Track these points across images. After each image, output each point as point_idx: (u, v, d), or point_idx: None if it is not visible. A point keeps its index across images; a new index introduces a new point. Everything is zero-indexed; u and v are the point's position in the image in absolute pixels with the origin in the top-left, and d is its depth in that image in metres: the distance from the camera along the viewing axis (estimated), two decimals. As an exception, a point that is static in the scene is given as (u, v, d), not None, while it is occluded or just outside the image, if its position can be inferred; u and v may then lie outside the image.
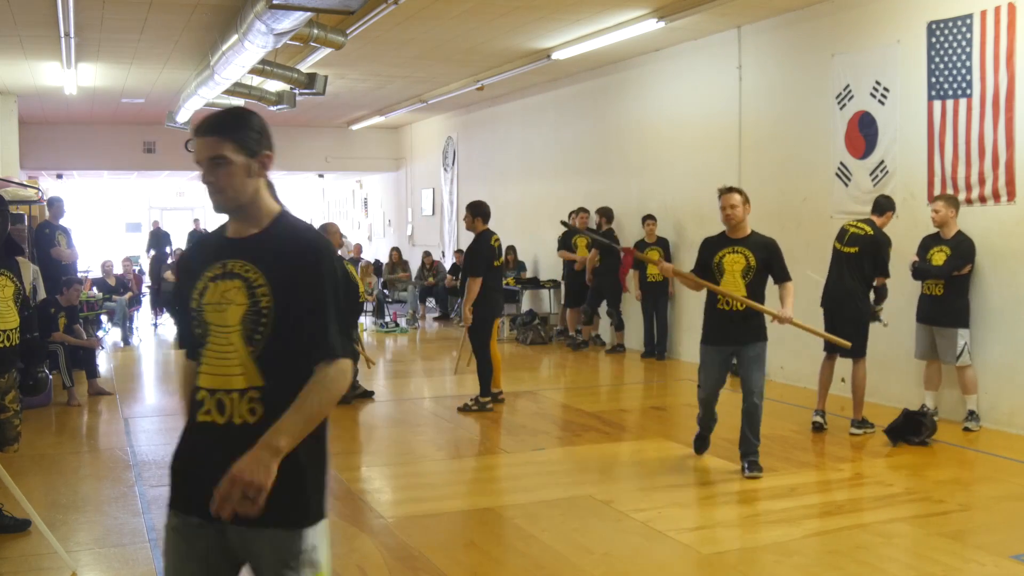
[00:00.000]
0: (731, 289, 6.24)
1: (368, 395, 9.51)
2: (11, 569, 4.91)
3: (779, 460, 6.92)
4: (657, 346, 11.85)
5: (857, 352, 7.59)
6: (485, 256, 8.77)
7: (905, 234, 8.50)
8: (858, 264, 7.64)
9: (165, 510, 2.59)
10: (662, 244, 11.77)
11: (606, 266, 12.53)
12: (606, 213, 12.63)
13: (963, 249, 7.63)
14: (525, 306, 15.27)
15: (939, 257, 7.69)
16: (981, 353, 7.84)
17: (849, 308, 7.62)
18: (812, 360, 8.23)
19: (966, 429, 7.67)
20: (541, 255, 15.28)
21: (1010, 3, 7.52)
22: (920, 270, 7.77)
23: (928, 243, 7.85)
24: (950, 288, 7.68)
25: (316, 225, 9.72)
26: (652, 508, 5.76)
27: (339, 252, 9.54)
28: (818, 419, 7.79)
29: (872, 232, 7.69)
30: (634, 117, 12.78)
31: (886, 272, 7.76)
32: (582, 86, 13.98)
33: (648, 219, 11.82)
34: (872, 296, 7.77)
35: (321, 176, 24.50)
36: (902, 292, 8.47)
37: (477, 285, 8.65)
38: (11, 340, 5.36)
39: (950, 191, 8.03)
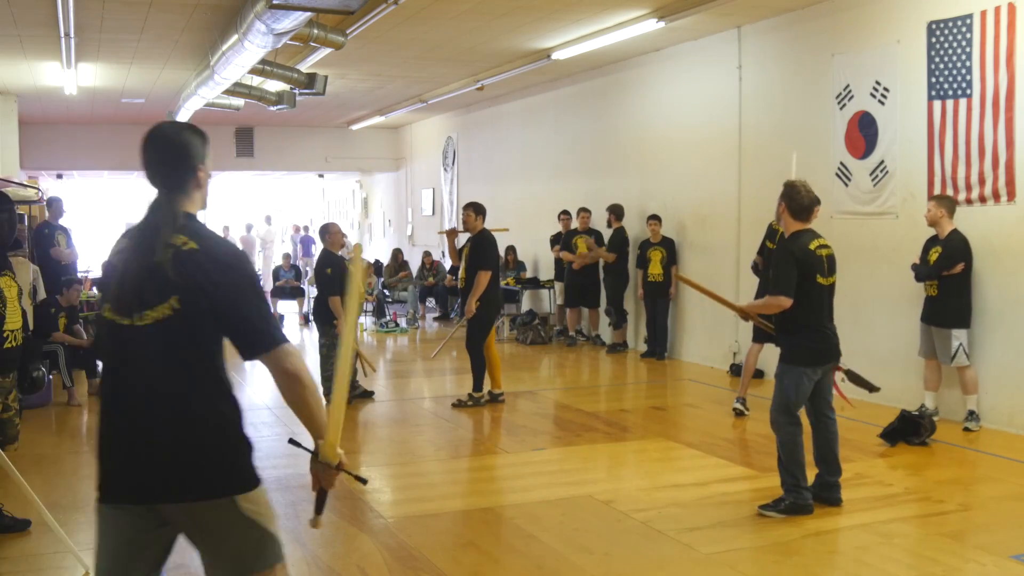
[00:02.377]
0: None
1: (368, 395, 9.51)
2: (11, 569, 4.91)
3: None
4: (658, 346, 11.85)
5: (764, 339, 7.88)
6: (496, 252, 9.11)
7: (905, 234, 8.51)
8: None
9: None
10: (666, 245, 11.76)
11: (614, 265, 12.52)
12: (616, 211, 12.54)
13: (952, 248, 7.67)
14: (525, 306, 15.28)
15: (935, 258, 7.76)
16: (981, 353, 7.84)
17: None
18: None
19: (966, 429, 7.68)
20: (541, 255, 15.28)
21: (1010, 3, 7.51)
22: (916, 271, 7.86)
23: (928, 244, 7.91)
24: (944, 288, 7.71)
25: (319, 225, 9.78)
26: (652, 508, 5.76)
27: (340, 252, 9.53)
28: (739, 406, 8.36)
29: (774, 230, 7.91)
30: (634, 117, 12.77)
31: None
32: (582, 86, 13.98)
33: (652, 219, 11.81)
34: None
35: (321, 176, 24.50)
36: (903, 292, 8.48)
37: (487, 278, 8.84)
38: (17, 340, 5.38)
39: (950, 191, 8.03)
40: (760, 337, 8.13)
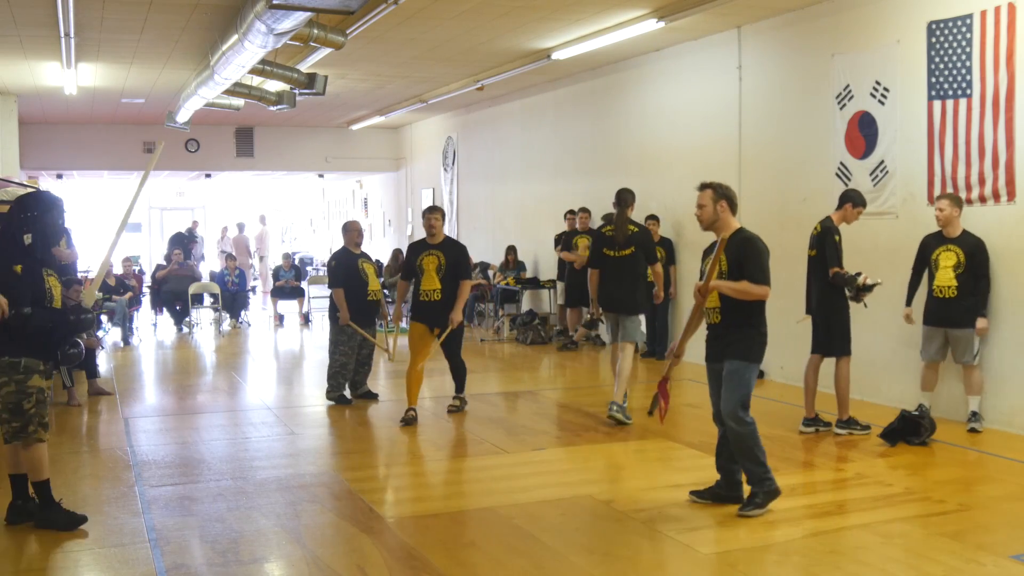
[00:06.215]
0: (710, 301, 5.79)
1: (372, 396, 9.53)
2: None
3: (779, 460, 6.92)
4: (658, 346, 11.84)
5: (839, 350, 7.62)
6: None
7: (906, 234, 8.51)
8: (817, 265, 7.63)
9: None
10: (665, 245, 11.75)
11: None
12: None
13: (980, 251, 7.51)
14: (525, 306, 15.28)
15: (946, 256, 7.60)
16: (981, 353, 7.83)
17: (825, 310, 7.61)
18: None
19: (972, 430, 7.62)
20: (541, 255, 15.29)
21: (1010, 3, 7.52)
22: (841, 280, 7.54)
23: (931, 242, 7.76)
24: (962, 289, 7.55)
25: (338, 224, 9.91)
26: (652, 508, 5.77)
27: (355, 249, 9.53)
28: (814, 427, 7.80)
29: (820, 229, 7.67)
30: (634, 117, 12.78)
31: (832, 263, 7.55)
32: (582, 86, 13.98)
33: (651, 219, 11.81)
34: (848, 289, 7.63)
35: (321, 176, 24.49)
36: (903, 292, 8.47)
37: (469, 288, 8.70)
38: None
39: (950, 191, 8.02)
40: (820, 349, 7.72)
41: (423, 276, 8.31)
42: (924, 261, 7.82)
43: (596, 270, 8.37)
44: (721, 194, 5.77)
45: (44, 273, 5.49)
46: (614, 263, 8.26)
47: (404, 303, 9.24)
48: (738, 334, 5.66)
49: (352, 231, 9.52)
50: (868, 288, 7.52)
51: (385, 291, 17.30)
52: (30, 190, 5.89)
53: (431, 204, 9.28)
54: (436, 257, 8.32)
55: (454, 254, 8.42)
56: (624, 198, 8.35)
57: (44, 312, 5.32)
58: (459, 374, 8.77)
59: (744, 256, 5.62)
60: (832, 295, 7.60)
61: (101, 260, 5.46)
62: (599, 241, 8.42)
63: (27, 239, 5.36)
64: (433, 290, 8.29)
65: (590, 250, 8.66)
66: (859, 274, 7.55)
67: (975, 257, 7.52)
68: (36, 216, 5.41)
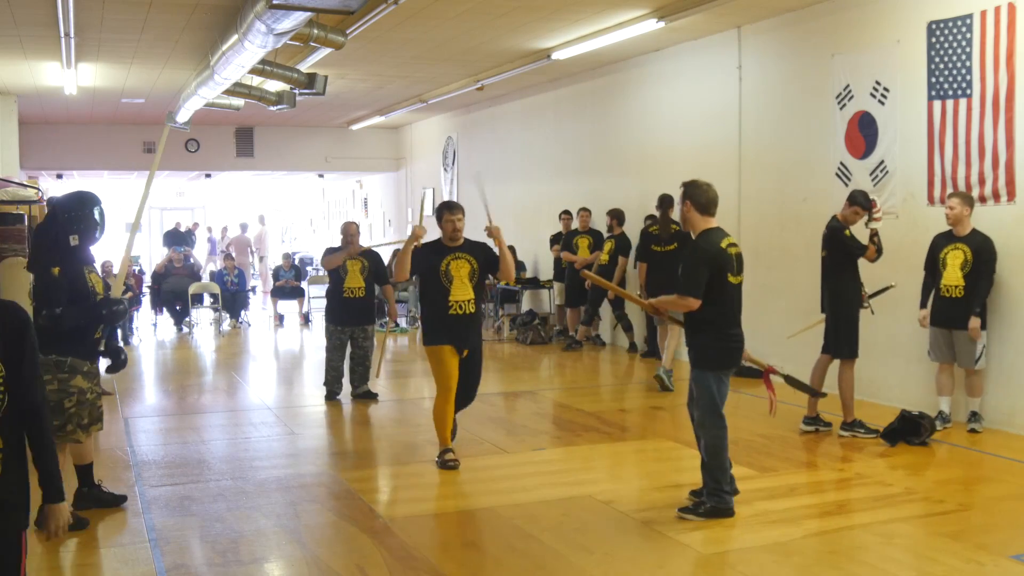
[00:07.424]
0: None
1: (371, 396, 9.54)
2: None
3: (779, 460, 6.93)
4: (658, 346, 11.83)
5: (841, 352, 7.55)
6: None
7: (905, 234, 8.51)
8: (828, 266, 7.58)
9: None
10: None
11: (607, 267, 12.51)
12: (617, 216, 12.41)
13: (988, 250, 7.44)
14: (525, 306, 15.28)
15: (954, 255, 7.52)
16: (987, 357, 7.80)
17: (833, 311, 7.56)
18: (815, 360, 8.20)
19: (972, 431, 7.60)
20: (541, 255, 15.28)
21: (1010, 3, 7.52)
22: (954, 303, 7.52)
23: (940, 241, 7.69)
24: (970, 290, 7.46)
25: (334, 225, 10.00)
26: (652, 508, 5.77)
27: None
28: (814, 427, 7.77)
29: (827, 231, 7.57)
30: (634, 117, 12.78)
31: (859, 255, 7.51)
32: (582, 86, 13.98)
33: (650, 219, 11.79)
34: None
35: (321, 176, 24.49)
36: (903, 292, 8.47)
37: None
38: (100, 331, 5.66)
39: (950, 191, 8.02)
40: (828, 349, 7.64)
41: (452, 284, 6.83)
42: (934, 260, 7.72)
43: (644, 263, 9.98)
44: (687, 194, 5.62)
45: (85, 271, 5.52)
46: (661, 257, 9.81)
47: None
48: (694, 341, 5.65)
49: (343, 232, 9.55)
50: (878, 291, 7.55)
51: (401, 292, 17.29)
52: (71, 191, 5.93)
53: (448, 200, 7.71)
54: (467, 262, 6.95)
55: (485, 256, 7.05)
56: (665, 201, 9.98)
57: (75, 310, 5.36)
58: (464, 407, 7.38)
59: (682, 263, 5.59)
60: (841, 297, 7.52)
61: (121, 258, 5.63)
62: (646, 238, 10.11)
63: (73, 240, 5.40)
64: (467, 300, 6.83)
65: (638, 247, 10.30)
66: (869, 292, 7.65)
67: (980, 255, 7.46)
68: (82, 215, 5.44)
